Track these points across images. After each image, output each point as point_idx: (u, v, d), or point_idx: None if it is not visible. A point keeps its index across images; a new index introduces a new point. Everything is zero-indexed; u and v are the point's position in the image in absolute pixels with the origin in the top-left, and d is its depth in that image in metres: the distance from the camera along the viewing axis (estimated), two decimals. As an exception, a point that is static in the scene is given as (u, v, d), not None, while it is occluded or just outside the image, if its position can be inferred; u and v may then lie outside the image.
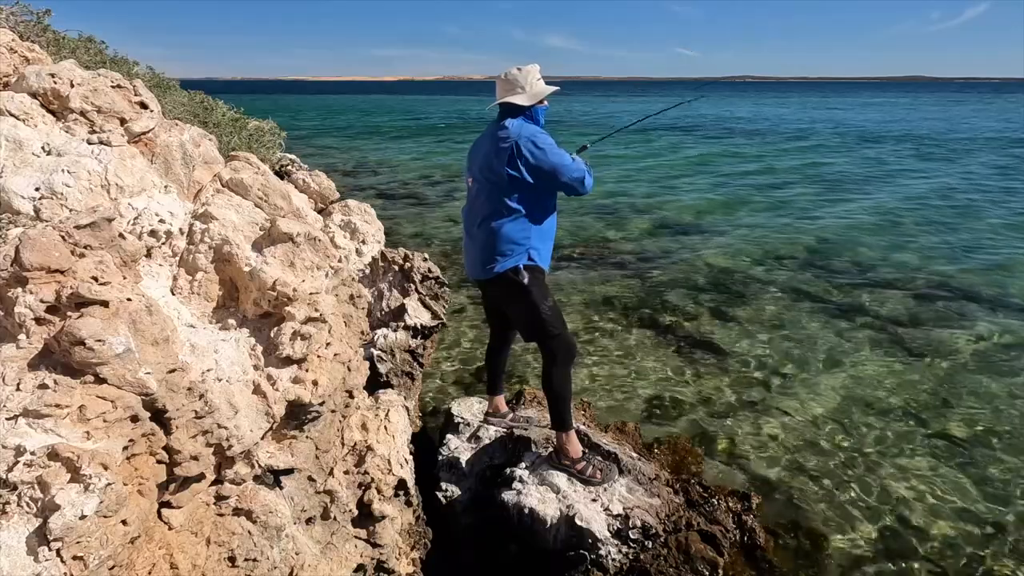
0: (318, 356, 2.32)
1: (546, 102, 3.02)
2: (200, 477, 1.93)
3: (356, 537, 2.61)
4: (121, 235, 1.92)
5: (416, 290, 4.40)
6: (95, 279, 1.71)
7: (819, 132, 29.20)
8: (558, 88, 3.04)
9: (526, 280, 2.93)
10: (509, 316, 3.28)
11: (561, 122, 34.16)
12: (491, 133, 2.98)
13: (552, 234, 3.12)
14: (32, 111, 2.39)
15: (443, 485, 3.28)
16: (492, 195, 2.92)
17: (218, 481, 2.05)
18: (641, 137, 24.06)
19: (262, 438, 2.15)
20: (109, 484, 1.48)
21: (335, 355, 2.38)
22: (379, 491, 2.68)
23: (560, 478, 3.08)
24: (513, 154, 2.81)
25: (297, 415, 2.27)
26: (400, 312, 4.32)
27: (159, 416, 1.77)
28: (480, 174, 2.98)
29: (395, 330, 4.25)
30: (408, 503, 2.91)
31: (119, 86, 2.60)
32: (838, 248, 9.27)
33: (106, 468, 1.51)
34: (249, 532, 2.06)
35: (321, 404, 2.29)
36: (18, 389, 1.54)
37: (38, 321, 1.62)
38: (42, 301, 1.62)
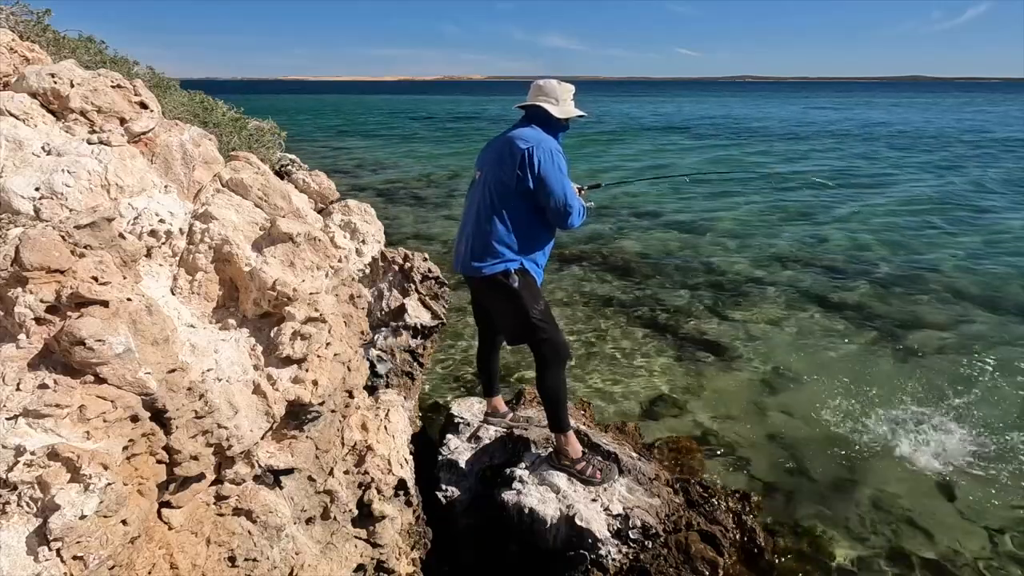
0: (318, 356, 2.31)
1: (569, 124, 3.03)
2: (200, 477, 1.93)
3: (356, 537, 2.61)
4: (121, 235, 1.91)
5: (416, 290, 4.39)
6: (95, 279, 1.71)
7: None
8: (586, 114, 3.05)
9: (516, 284, 2.89)
10: (495, 317, 3.25)
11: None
12: (510, 133, 2.96)
13: (548, 250, 3.09)
14: (32, 111, 2.39)
15: (443, 485, 3.28)
16: (497, 193, 2.90)
17: (218, 481, 2.05)
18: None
19: (262, 438, 2.15)
20: (109, 484, 1.48)
21: (335, 355, 2.38)
22: (379, 491, 2.68)
23: (560, 478, 3.08)
24: (525, 158, 2.80)
25: (297, 415, 2.26)
26: (400, 312, 4.32)
27: (159, 416, 1.76)
28: (489, 171, 2.96)
29: (395, 330, 4.25)
30: (408, 503, 2.90)
31: (119, 86, 2.60)
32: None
33: (106, 468, 1.51)
34: (249, 532, 2.06)
35: (321, 404, 2.29)
36: (18, 389, 1.54)
37: (38, 321, 1.62)
38: (42, 301, 1.62)
